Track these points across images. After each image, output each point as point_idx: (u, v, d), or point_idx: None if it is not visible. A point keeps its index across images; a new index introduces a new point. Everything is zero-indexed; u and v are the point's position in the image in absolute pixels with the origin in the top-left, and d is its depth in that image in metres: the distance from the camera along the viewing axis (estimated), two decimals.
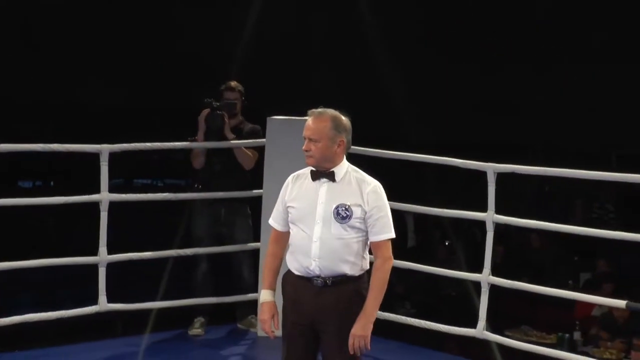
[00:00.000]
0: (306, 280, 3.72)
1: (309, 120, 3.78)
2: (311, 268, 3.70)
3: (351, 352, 3.69)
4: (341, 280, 3.72)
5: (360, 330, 3.67)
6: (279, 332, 3.83)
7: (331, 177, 3.75)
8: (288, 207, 3.80)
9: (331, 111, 3.81)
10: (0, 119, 12.10)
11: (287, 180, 3.87)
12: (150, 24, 13.29)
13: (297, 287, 3.75)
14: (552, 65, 12.20)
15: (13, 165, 12.24)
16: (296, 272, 3.75)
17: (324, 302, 3.69)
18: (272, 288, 3.83)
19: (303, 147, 3.76)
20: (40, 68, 12.88)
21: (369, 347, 3.70)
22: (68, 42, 13.09)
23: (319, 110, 3.81)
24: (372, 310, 3.70)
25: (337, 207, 3.69)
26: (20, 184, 13.77)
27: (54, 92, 13.18)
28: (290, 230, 3.80)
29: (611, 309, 7.41)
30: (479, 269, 5.44)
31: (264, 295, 3.82)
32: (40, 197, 5.85)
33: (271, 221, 3.90)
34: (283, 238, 3.86)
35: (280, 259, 3.87)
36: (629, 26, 11.54)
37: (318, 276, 3.70)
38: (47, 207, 5.80)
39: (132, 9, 13.10)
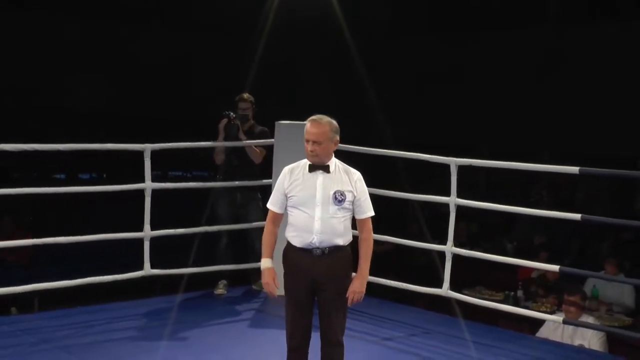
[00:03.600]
0: (307, 251, 3.72)
1: (310, 126, 3.73)
2: (313, 241, 3.69)
3: (350, 304, 3.73)
4: (335, 249, 3.73)
5: (359, 287, 3.74)
6: (279, 292, 3.81)
7: (326, 169, 3.74)
8: (289, 195, 3.75)
9: (326, 117, 3.78)
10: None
11: (283, 173, 3.81)
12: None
13: (298, 257, 3.74)
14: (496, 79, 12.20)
15: (74, 161, 12.12)
16: (298, 246, 3.73)
17: (323, 267, 3.71)
18: (271, 257, 3.81)
19: (309, 149, 3.69)
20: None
21: (362, 300, 3.75)
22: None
23: (317, 117, 3.77)
24: (366, 272, 3.76)
25: (335, 193, 3.69)
26: (80, 176, 13.65)
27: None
28: (291, 213, 3.77)
29: (545, 272, 7.43)
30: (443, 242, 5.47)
31: (265, 263, 3.80)
32: (98, 186, 5.85)
33: (270, 205, 3.85)
34: (278, 218, 3.84)
35: (276, 235, 3.84)
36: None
37: (318, 247, 3.70)
38: (102, 193, 5.76)
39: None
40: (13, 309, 7.14)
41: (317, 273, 3.70)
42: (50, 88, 12.32)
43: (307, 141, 3.71)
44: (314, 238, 3.69)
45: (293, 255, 3.76)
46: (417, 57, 13.09)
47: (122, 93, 12.86)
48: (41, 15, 12.23)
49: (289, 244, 3.79)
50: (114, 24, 12.69)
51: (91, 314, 5.40)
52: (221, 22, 12.81)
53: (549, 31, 11.68)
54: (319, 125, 3.72)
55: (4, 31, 11.69)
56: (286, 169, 3.82)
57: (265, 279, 3.79)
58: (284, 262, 3.81)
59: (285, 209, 3.81)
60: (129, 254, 5.95)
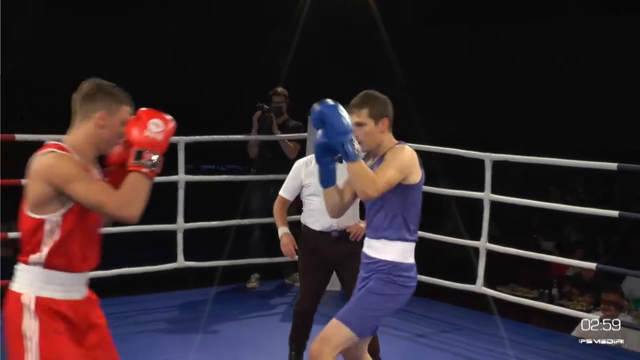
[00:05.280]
0: (326, 234, 4.01)
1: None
2: (333, 225, 3.96)
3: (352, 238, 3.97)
4: None
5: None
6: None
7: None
8: (306, 184, 4.05)
9: None
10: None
11: (298, 165, 4.15)
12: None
13: (318, 239, 4.03)
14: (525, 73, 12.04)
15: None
16: (318, 229, 4.02)
17: (342, 248, 4.00)
18: (286, 225, 4.12)
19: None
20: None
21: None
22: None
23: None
24: None
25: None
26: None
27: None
28: (310, 201, 4.06)
29: (580, 270, 7.32)
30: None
31: (283, 230, 4.11)
32: None
33: (282, 192, 4.17)
34: (287, 204, 4.17)
35: (286, 212, 4.17)
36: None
37: (336, 230, 3.98)
38: None
39: None
40: None
41: (337, 253, 3.98)
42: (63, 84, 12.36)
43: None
44: (334, 222, 3.93)
45: (312, 239, 4.05)
46: (451, 49, 12.97)
47: (140, 87, 12.88)
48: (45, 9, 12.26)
49: (306, 228, 4.08)
50: (121, 17, 12.72)
51: (125, 305, 5.45)
52: (234, 14, 12.80)
53: (579, 23, 11.51)
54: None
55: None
56: (300, 161, 4.16)
57: (285, 241, 4.09)
58: (300, 245, 4.09)
59: (298, 197, 4.15)
60: (163, 246, 5.99)
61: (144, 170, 2.34)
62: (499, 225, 8.86)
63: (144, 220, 5.54)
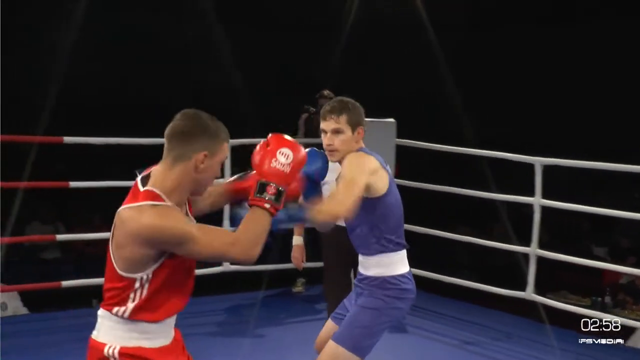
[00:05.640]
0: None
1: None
2: None
3: None
4: None
5: None
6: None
7: None
8: (325, 180, 3.94)
9: None
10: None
11: None
12: None
13: (341, 234, 3.83)
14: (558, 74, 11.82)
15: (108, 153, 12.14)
16: (342, 224, 3.80)
17: None
18: (301, 235, 4.17)
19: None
20: None
21: None
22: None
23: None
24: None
25: None
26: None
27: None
28: None
29: (634, 278, 7.13)
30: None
31: (296, 240, 4.17)
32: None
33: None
34: None
35: None
36: None
37: None
38: None
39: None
40: (95, 302, 7.30)
41: None
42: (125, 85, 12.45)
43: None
44: None
45: (335, 232, 3.89)
46: (498, 52, 12.79)
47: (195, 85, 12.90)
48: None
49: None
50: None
51: None
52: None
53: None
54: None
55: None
56: None
57: (295, 254, 4.18)
58: (324, 239, 4.10)
59: None
60: None
61: (266, 205, 2.09)
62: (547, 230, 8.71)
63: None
